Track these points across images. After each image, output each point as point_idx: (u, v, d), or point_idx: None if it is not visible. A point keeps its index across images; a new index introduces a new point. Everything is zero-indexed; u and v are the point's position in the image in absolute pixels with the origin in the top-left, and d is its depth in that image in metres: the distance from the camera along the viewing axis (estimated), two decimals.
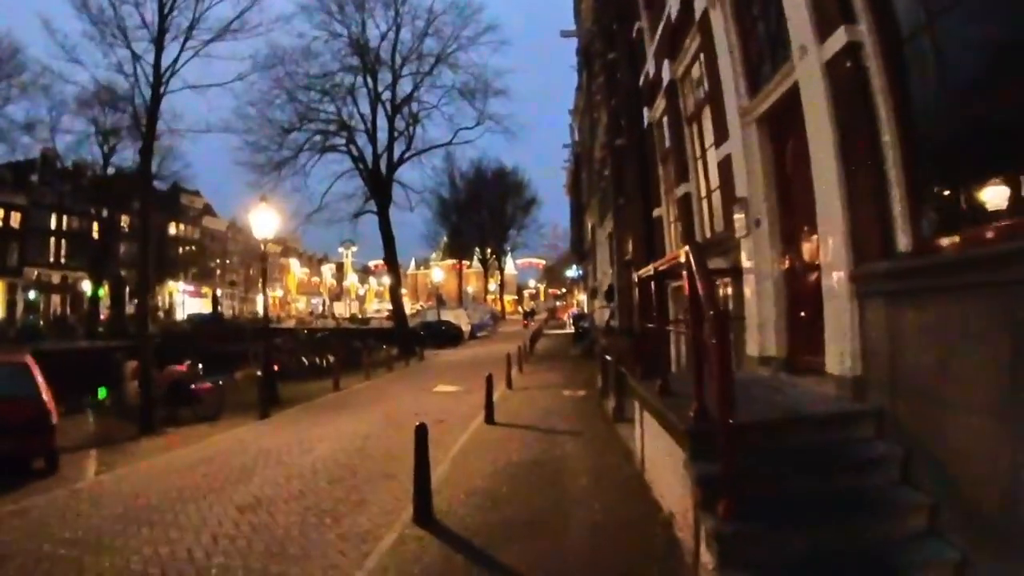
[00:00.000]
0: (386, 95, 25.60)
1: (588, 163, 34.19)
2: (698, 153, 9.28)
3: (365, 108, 25.64)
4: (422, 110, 26.64)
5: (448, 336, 31.14)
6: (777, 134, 6.20)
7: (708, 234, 9.02)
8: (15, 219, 50.41)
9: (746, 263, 6.68)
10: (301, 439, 9.40)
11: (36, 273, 53.01)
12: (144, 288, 16.47)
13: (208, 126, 33.89)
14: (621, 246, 18.50)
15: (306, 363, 17.78)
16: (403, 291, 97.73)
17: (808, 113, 5.06)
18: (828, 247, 4.86)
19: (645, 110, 12.34)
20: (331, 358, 19.74)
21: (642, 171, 13.47)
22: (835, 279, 4.74)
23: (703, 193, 9.15)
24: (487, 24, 27.81)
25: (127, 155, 44.86)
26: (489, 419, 9.47)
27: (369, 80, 25.26)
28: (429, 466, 5.13)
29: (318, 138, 24.98)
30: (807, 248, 5.81)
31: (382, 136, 25.72)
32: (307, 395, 14.30)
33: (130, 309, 55.75)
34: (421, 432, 5.14)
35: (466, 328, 35.32)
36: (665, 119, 11.01)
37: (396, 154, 26.00)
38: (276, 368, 18.06)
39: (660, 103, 10.93)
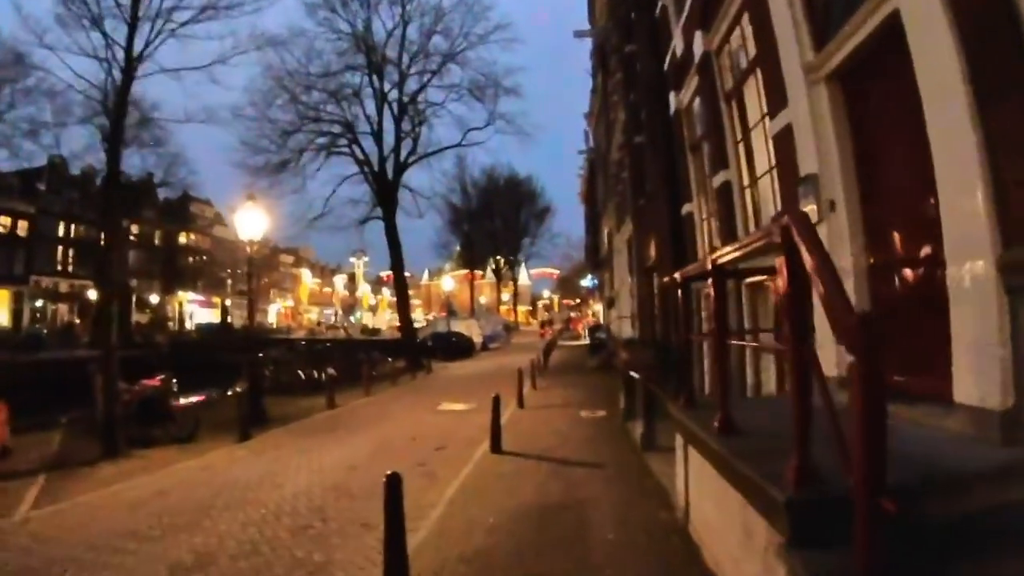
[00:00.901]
0: (392, 95, 24.57)
1: (604, 168, 32.95)
2: (738, 135, 7.95)
3: (371, 109, 24.62)
4: (429, 108, 25.49)
5: (459, 348, 29.85)
6: (857, 91, 4.85)
7: (752, 228, 7.66)
8: (22, 227, 49.91)
9: None
10: (276, 469, 8.10)
11: (43, 281, 52.45)
12: (111, 294, 15.34)
13: (187, 115, 32.49)
14: (641, 251, 17.13)
15: (303, 377, 16.54)
16: (417, 302, 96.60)
17: (918, 46, 3.72)
18: (955, 225, 3.51)
19: (672, 96, 11.03)
20: (331, 371, 18.51)
21: (668, 165, 12.13)
22: (968, 270, 3.39)
23: (745, 181, 7.80)
24: (497, 23, 26.60)
25: (135, 161, 44.36)
26: (496, 447, 8.10)
27: (375, 79, 24.22)
28: (403, 533, 3.74)
29: (321, 140, 23.95)
30: (904, 234, 4.44)
31: (388, 139, 24.68)
32: (298, 413, 13.02)
33: (138, 318, 55.57)
34: (392, 486, 3.74)
35: (477, 339, 34.00)
36: (697, 101, 9.70)
37: (403, 157, 24.85)
38: (267, 383, 16.92)
39: (691, 83, 9.63)
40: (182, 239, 72.01)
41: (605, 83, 30.68)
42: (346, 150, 24.02)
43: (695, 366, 10.01)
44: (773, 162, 6.56)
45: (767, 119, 6.47)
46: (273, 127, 23.07)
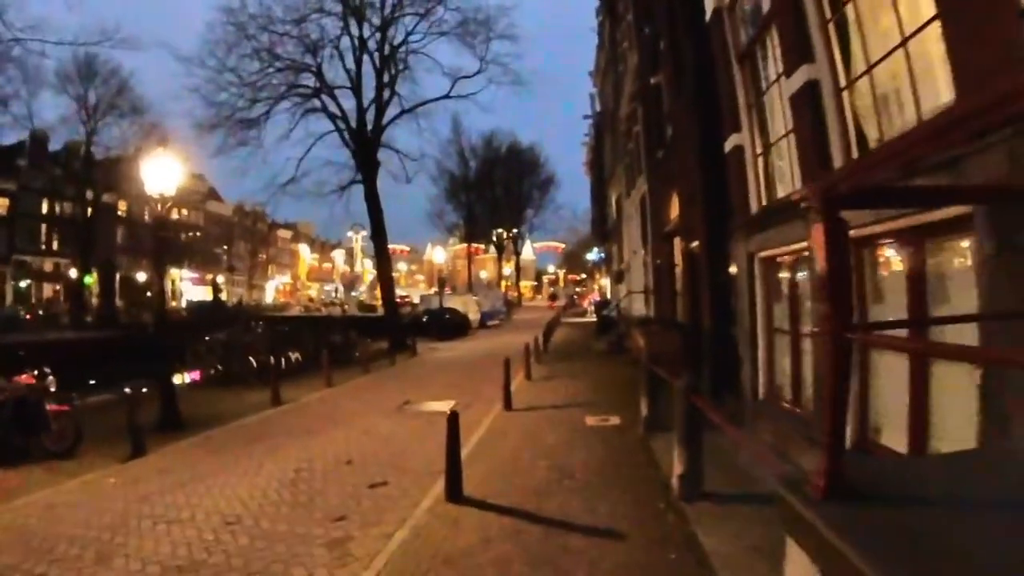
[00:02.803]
0: (372, 44, 21.43)
1: (612, 129, 29.93)
2: (827, 11, 5.08)
3: (348, 61, 21.52)
4: (414, 56, 22.27)
5: (452, 326, 27.01)
6: None
7: (855, 152, 4.85)
8: (3, 205, 47.53)
9: None
10: (143, 512, 5.48)
11: (26, 261, 50.13)
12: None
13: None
14: (659, 213, 14.28)
15: (254, 364, 13.89)
16: (421, 277, 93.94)
17: None
18: None
19: None
20: (296, 356, 15.89)
21: (701, 91, 9.27)
22: None
23: (842, 80, 4.95)
24: None
25: (113, 132, 41.70)
26: (454, 492, 5.31)
27: (353, 24, 21.10)
28: None
29: (284, 90, 20.78)
30: None
31: (370, 95, 21.60)
32: (231, 413, 10.36)
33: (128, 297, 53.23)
34: None
35: (474, 316, 31.14)
36: None
37: (387, 113, 21.79)
38: (213, 373, 14.30)
39: None
40: (174, 214, 69.50)
41: (613, 33, 27.54)
42: (317, 103, 21.00)
43: (746, 357, 7.27)
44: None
45: None
46: (237, 80, 20.07)
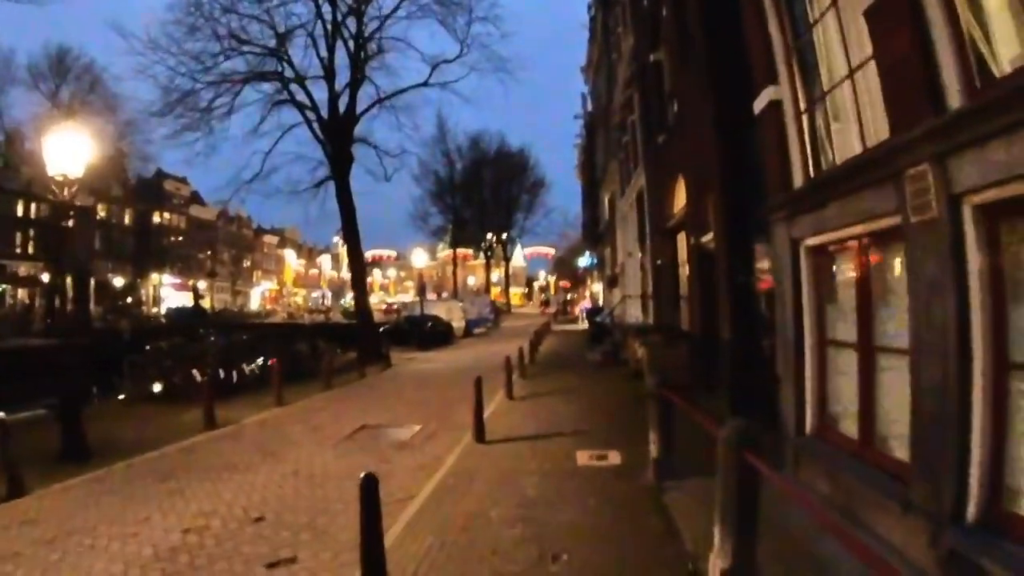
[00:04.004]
0: (346, 32, 19.69)
1: (605, 125, 28.37)
2: None
3: (321, 48, 19.78)
4: (389, 39, 20.41)
5: (434, 334, 25.20)
6: None
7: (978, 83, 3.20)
8: None
9: None
10: None
11: (1, 264, 48.09)
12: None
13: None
14: (660, 206, 12.63)
15: (198, 378, 12.10)
16: (410, 283, 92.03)
17: None
18: None
19: None
20: (252, 368, 14.11)
21: (714, 53, 7.66)
22: None
23: None
24: None
25: (91, 132, 39.72)
26: None
27: (326, 5, 19.33)
28: None
29: (258, 82, 18.97)
30: None
31: (344, 83, 19.81)
32: (152, 440, 8.56)
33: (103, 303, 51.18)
34: None
35: (458, 324, 29.33)
36: None
37: (362, 103, 20.00)
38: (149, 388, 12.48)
39: None
40: (156, 218, 67.48)
41: (606, 21, 26.00)
42: (284, 94, 19.14)
43: (787, 378, 5.59)
44: None
45: None
46: (192, 61, 18.23)
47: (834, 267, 4.94)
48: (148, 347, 13.40)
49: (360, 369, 15.51)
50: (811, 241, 5.04)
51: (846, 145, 4.64)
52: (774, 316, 6.03)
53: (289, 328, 30.90)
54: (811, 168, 5.15)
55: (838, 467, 4.55)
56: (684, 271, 11.19)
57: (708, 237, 8.46)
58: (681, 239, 11.21)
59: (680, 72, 10.20)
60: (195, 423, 9.63)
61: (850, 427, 4.66)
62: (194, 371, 12.31)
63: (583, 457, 6.38)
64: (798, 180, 5.39)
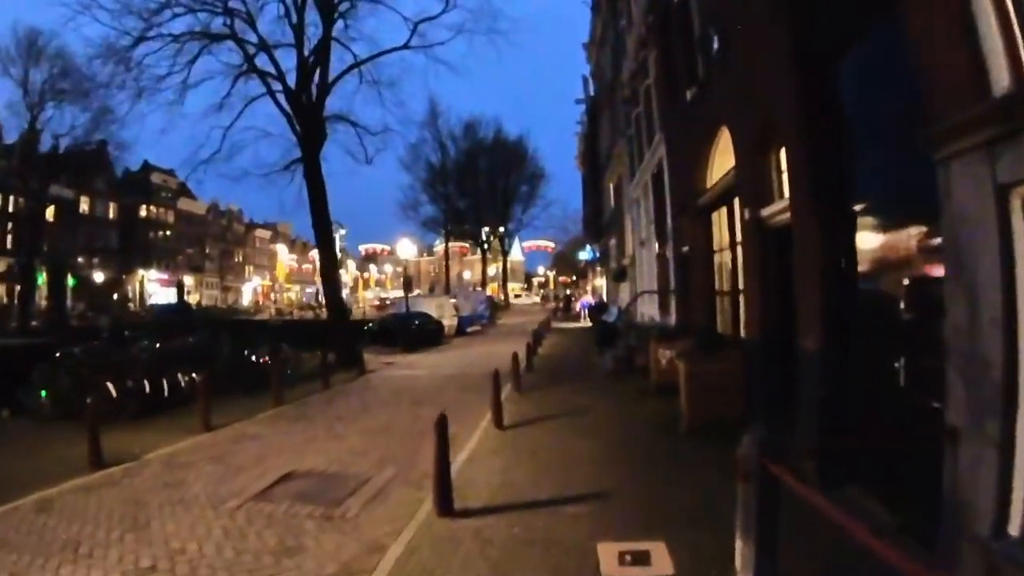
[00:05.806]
0: None
1: (610, 104, 25.89)
2: None
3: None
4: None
5: (422, 334, 22.66)
6: None
7: None
8: None
9: None
10: None
11: None
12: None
13: None
14: (685, 180, 10.10)
15: (114, 393, 9.66)
16: (396, 277, 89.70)
17: None
18: None
19: None
20: (192, 378, 11.61)
21: None
22: None
23: None
24: None
25: (64, 119, 37.37)
26: None
27: None
28: None
29: (203, 39, 16.34)
30: None
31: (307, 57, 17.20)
32: (17, 482, 6.14)
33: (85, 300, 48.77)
34: None
35: (449, 322, 26.77)
36: None
37: (331, 68, 17.38)
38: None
39: None
40: (142, 212, 64.95)
41: None
42: (239, 57, 16.61)
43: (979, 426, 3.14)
44: None
45: None
46: (136, 19, 15.62)
47: None
48: (57, 354, 10.93)
49: (325, 378, 13.01)
50: None
51: None
52: (925, 320, 3.61)
53: (247, 327, 28.19)
54: None
55: None
56: (723, 258, 8.72)
57: (776, 208, 6.00)
58: (719, 218, 8.74)
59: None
60: (80, 458, 7.17)
61: None
62: (108, 384, 9.84)
63: (609, 559, 3.84)
64: (1002, 82, 2.96)
